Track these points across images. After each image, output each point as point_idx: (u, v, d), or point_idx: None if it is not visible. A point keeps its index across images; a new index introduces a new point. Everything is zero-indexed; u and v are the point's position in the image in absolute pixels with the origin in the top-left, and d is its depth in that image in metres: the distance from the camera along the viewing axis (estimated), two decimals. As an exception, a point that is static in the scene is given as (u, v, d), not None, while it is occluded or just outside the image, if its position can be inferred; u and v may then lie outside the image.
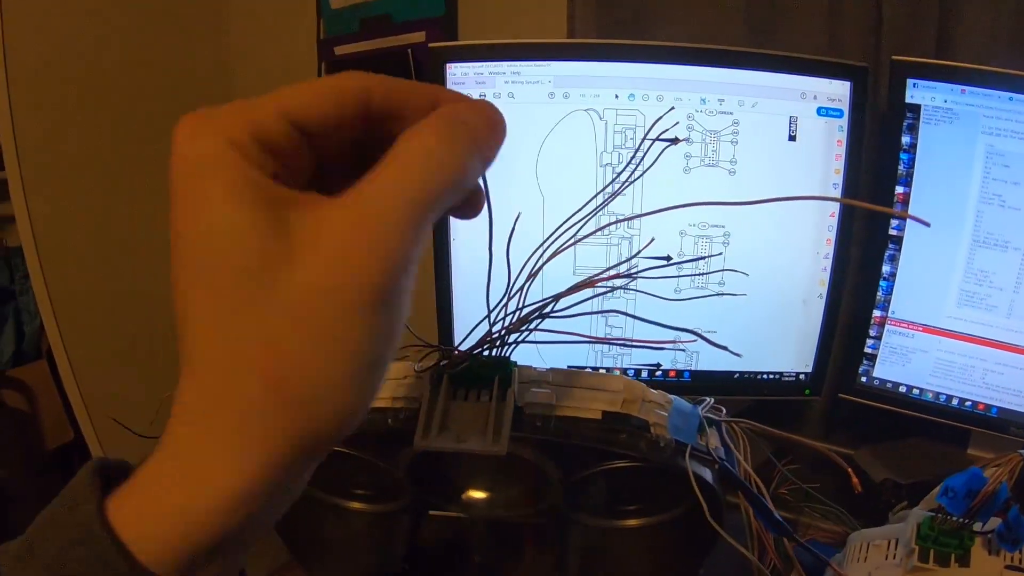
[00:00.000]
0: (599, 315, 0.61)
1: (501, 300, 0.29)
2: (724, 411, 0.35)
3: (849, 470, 0.32)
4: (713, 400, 0.35)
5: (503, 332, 0.30)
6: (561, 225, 0.30)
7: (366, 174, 0.18)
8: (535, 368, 0.34)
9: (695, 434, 0.34)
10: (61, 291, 1.22)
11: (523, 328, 0.30)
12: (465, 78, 0.63)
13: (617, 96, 0.60)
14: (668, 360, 0.66)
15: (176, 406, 0.18)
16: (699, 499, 0.32)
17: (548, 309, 0.29)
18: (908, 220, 0.61)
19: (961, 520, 0.35)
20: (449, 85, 0.63)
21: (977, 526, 0.35)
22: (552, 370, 0.34)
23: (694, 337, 0.26)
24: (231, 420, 0.17)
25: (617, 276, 0.28)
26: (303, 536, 0.43)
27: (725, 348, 0.26)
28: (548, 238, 0.31)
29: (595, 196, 0.30)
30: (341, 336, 0.17)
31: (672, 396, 0.35)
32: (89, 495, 0.17)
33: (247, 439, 0.17)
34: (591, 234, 0.29)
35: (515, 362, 0.33)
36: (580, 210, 0.30)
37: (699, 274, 0.62)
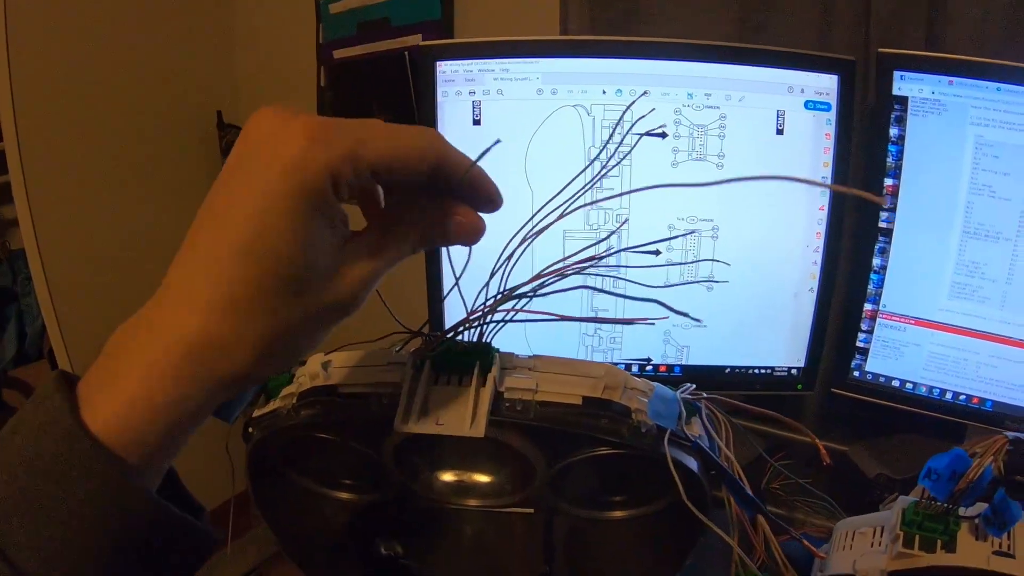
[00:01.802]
0: (585, 300, 0.61)
1: (462, 273, 0.30)
2: (704, 395, 0.35)
3: (814, 439, 0.31)
4: (694, 386, 0.35)
5: (483, 310, 0.30)
6: (539, 211, 0.31)
7: (374, 238, 0.25)
8: (517, 355, 0.34)
9: (676, 420, 0.34)
10: (63, 293, 1.24)
11: (498, 309, 0.30)
12: (455, 75, 0.63)
13: (604, 92, 0.61)
14: (659, 355, 0.66)
15: (149, 331, 0.22)
16: (677, 483, 0.32)
17: (520, 291, 0.29)
18: (898, 214, 0.61)
19: (946, 505, 0.34)
20: (440, 83, 0.64)
21: (963, 511, 0.34)
22: (535, 357, 0.35)
23: (665, 312, 0.26)
24: (206, 365, 0.22)
25: (590, 259, 0.28)
26: (291, 527, 0.43)
27: (685, 314, 0.26)
28: (527, 222, 0.31)
29: (573, 179, 0.31)
30: (311, 339, 0.24)
31: (654, 383, 0.35)
32: (55, 390, 0.21)
33: (221, 384, 0.22)
34: (566, 214, 0.29)
35: (497, 348, 0.33)
36: (558, 194, 0.31)
37: (686, 263, 0.62)
